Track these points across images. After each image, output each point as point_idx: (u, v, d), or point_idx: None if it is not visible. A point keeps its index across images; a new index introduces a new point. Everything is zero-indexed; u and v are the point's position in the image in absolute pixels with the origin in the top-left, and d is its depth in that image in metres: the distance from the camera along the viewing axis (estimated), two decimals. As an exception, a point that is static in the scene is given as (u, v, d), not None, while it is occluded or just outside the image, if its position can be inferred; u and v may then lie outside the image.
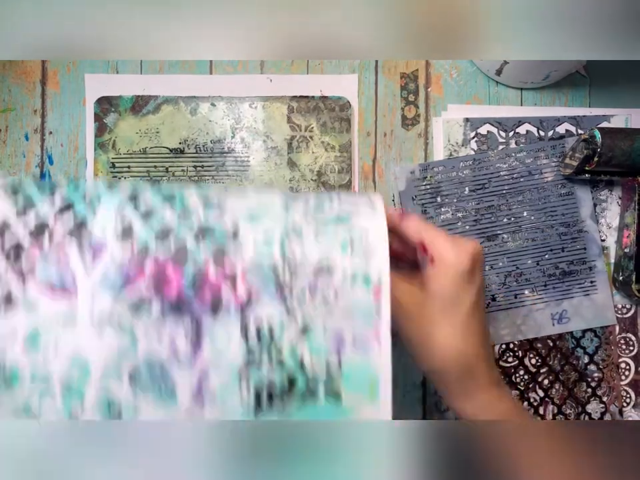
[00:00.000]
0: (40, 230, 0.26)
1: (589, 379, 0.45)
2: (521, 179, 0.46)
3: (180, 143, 0.45)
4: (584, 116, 0.46)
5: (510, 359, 0.45)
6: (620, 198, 0.46)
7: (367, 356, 0.26)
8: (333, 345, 0.26)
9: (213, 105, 0.45)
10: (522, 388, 0.45)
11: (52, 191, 0.27)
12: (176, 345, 0.25)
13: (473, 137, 0.46)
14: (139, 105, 0.45)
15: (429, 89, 0.47)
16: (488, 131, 0.46)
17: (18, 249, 0.25)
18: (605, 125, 0.46)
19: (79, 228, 0.26)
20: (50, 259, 0.25)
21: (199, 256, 0.26)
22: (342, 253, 0.27)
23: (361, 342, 0.26)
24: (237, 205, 0.28)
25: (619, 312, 0.46)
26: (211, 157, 0.45)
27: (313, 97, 0.45)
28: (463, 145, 0.46)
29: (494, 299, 0.45)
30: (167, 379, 0.25)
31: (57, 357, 0.25)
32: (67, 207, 0.26)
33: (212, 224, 0.27)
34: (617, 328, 0.46)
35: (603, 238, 0.46)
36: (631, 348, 0.46)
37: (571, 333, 0.46)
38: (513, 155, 0.46)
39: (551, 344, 0.45)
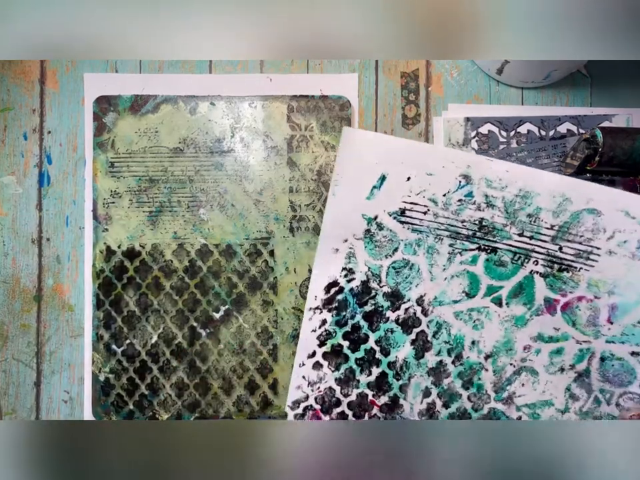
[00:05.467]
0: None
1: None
2: (522, 179, 0.45)
3: (179, 143, 0.45)
4: (585, 115, 0.46)
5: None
6: (621, 198, 0.46)
7: None
8: None
9: (212, 104, 0.45)
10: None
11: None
12: None
13: (474, 137, 0.46)
14: (138, 104, 0.45)
15: (430, 88, 0.47)
16: (489, 131, 0.46)
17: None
18: (606, 124, 0.46)
19: (393, 404, 0.34)
20: None
21: None
22: None
23: None
24: (524, 397, 0.35)
25: (620, 312, 0.46)
26: (210, 157, 0.45)
27: (313, 96, 0.45)
28: (463, 145, 0.46)
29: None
30: None
31: None
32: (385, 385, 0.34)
33: (499, 413, 0.35)
34: (618, 328, 0.46)
35: (603, 238, 0.46)
36: (632, 348, 0.46)
37: (572, 333, 0.45)
38: (514, 154, 0.46)
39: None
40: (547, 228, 0.33)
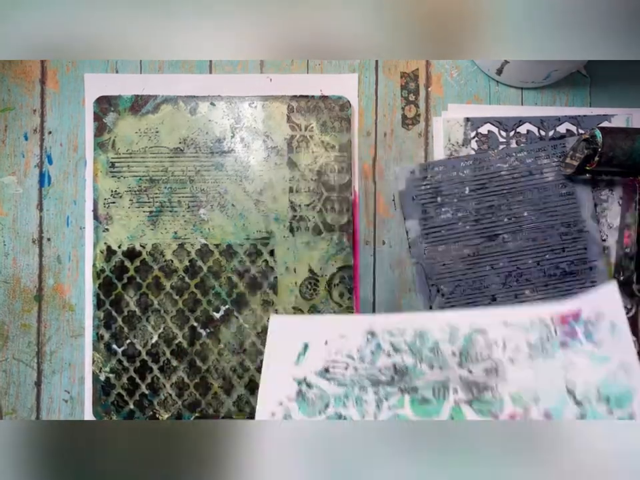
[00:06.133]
0: None
1: (590, 379, 0.45)
2: (522, 179, 0.45)
3: (179, 143, 0.45)
4: (585, 115, 0.46)
5: (510, 359, 0.45)
6: (621, 198, 0.46)
7: None
8: None
9: (212, 104, 0.45)
10: (522, 388, 0.45)
11: None
12: None
13: (474, 137, 0.46)
14: (138, 104, 0.45)
15: (429, 89, 0.47)
16: (488, 131, 0.46)
17: None
18: (605, 124, 0.46)
19: None
20: None
21: None
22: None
23: None
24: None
25: (620, 312, 0.46)
26: (210, 157, 0.45)
27: (313, 96, 0.45)
28: (463, 145, 0.46)
29: (494, 299, 0.45)
30: None
31: None
32: None
33: None
34: (618, 328, 0.46)
35: (603, 238, 0.46)
36: (632, 348, 0.46)
37: (572, 333, 0.45)
38: (514, 154, 0.46)
39: (552, 344, 0.45)
40: (450, 355, 0.36)
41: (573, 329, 0.35)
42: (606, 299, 0.35)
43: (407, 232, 0.46)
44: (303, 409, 0.37)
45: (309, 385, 0.37)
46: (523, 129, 0.46)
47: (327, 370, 0.37)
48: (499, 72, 0.45)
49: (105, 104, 0.45)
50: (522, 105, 0.47)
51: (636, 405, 0.33)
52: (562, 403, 0.34)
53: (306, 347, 0.37)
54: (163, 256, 0.45)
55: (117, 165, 0.45)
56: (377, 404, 0.36)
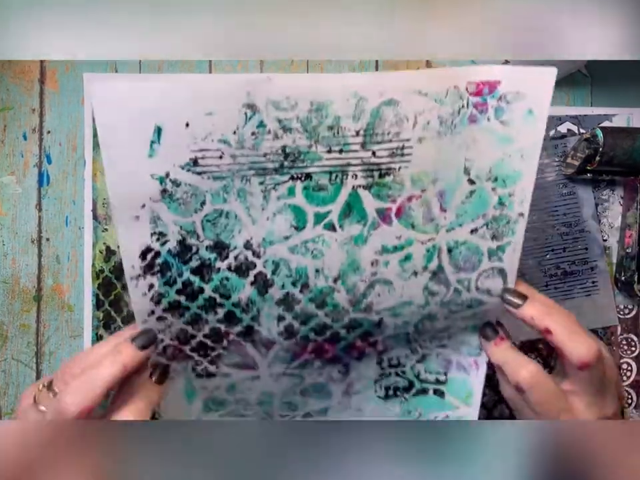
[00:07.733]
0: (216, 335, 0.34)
1: (590, 380, 0.45)
2: (522, 179, 0.45)
3: (179, 143, 0.45)
4: (585, 115, 0.46)
5: (511, 360, 0.45)
6: (622, 197, 0.46)
7: (466, 374, 0.38)
8: (442, 366, 0.38)
9: (212, 104, 0.45)
10: (523, 389, 0.45)
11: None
12: (331, 375, 0.37)
13: (474, 137, 0.46)
14: (137, 104, 0.45)
15: (430, 88, 0.46)
16: (489, 131, 0.46)
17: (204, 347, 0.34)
18: (606, 124, 0.46)
19: (249, 330, 0.34)
20: (231, 350, 0.35)
21: (349, 337, 0.35)
22: (471, 332, 0.36)
23: (463, 366, 0.38)
24: (383, 304, 0.34)
25: (621, 312, 0.46)
26: (210, 157, 0.45)
27: (313, 96, 0.45)
28: (463, 145, 0.46)
29: (495, 300, 0.45)
30: (324, 388, 0.38)
31: (251, 393, 0.37)
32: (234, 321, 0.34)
33: (360, 319, 0.34)
34: (619, 328, 0.46)
35: (604, 238, 0.46)
36: (633, 349, 0.46)
37: (572, 333, 0.45)
38: (514, 154, 0.46)
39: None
40: (353, 135, 0.30)
41: (484, 102, 0.31)
42: (535, 83, 0.31)
43: (407, 232, 0.45)
44: (174, 209, 0.30)
45: (175, 183, 0.29)
46: (523, 129, 0.46)
47: (195, 162, 0.29)
48: (500, 71, 0.45)
49: (105, 104, 0.45)
50: (522, 104, 0.47)
51: (519, 187, 0.32)
52: (457, 183, 0.32)
53: (159, 131, 0.29)
54: (163, 256, 0.45)
55: (116, 164, 0.45)
56: (264, 195, 0.30)
